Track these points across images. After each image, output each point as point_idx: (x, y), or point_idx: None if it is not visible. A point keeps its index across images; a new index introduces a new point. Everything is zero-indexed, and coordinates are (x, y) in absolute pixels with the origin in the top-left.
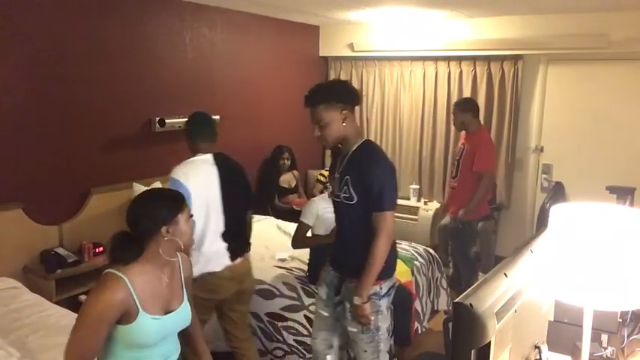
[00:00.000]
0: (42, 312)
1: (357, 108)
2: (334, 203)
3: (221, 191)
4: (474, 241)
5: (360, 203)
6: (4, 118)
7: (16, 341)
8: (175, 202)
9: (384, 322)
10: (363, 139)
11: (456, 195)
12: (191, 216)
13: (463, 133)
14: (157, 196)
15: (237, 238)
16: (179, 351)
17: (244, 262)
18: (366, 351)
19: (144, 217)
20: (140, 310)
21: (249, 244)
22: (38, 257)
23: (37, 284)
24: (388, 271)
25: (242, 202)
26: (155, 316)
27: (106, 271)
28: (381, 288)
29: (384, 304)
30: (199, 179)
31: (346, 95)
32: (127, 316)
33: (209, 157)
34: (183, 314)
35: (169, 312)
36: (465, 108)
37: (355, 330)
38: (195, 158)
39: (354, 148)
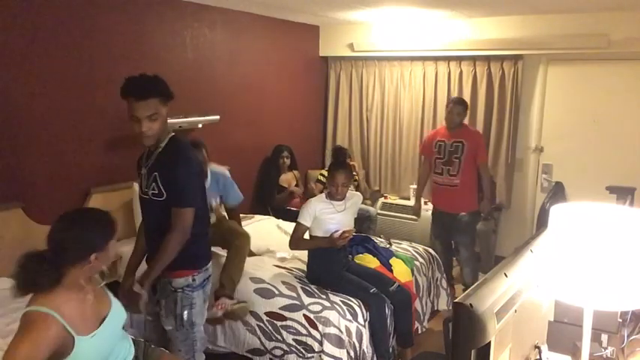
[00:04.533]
0: None
1: (357, 107)
2: (141, 200)
3: None
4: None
5: (168, 199)
6: (3, 118)
7: None
8: (108, 226)
9: (199, 318)
10: (170, 135)
11: (459, 191)
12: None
13: (430, 130)
14: (89, 220)
15: None
16: (133, 351)
17: None
18: (180, 350)
19: (73, 244)
20: (75, 337)
21: None
22: None
23: None
24: (201, 260)
25: None
26: (92, 334)
27: (28, 309)
28: (193, 280)
29: (199, 297)
30: None
31: (170, 91)
32: (63, 350)
33: None
34: (116, 313)
35: (103, 320)
36: (466, 106)
37: (170, 327)
38: None
39: (163, 144)
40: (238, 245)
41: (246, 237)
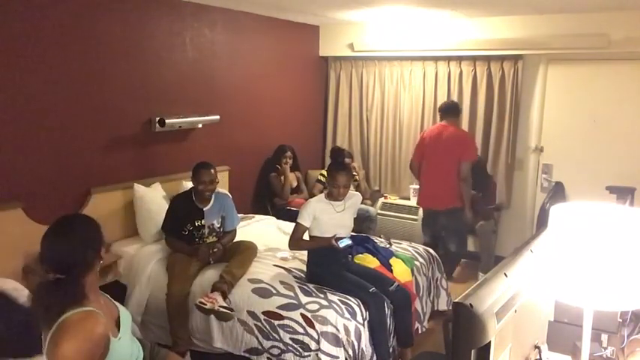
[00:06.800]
0: None
1: (357, 107)
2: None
3: None
4: None
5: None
6: (3, 118)
7: None
8: (92, 220)
9: None
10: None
11: None
12: None
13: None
14: (76, 224)
15: None
16: (142, 352)
17: None
18: None
19: (83, 250)
20: (111, 337)
21: None
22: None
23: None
24: None
25: None
26: (118, 336)
27: (70, 313)
28: None
29: None
30: None
31: None
32: (104, 351)
33: None
34: (125, 314)
35: (117, 322)
36: None
37: None
38: None
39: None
40: (248, 246)
41: (255, 247)
